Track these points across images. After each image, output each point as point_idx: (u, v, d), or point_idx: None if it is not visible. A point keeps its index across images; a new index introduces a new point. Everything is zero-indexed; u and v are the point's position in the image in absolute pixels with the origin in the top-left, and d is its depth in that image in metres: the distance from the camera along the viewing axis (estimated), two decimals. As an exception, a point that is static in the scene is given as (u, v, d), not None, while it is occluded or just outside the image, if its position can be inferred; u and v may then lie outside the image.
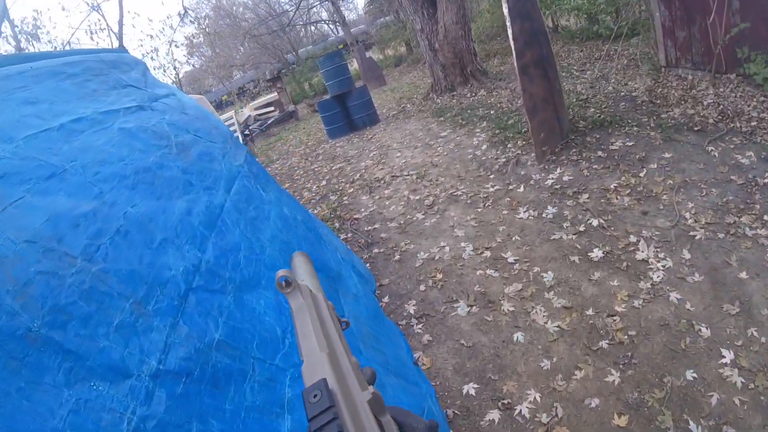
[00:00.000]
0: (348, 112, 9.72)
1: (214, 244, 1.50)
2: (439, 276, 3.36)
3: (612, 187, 3.86)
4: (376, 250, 4.05)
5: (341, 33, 20.16)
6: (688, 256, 2.97)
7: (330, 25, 24.56)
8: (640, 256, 3.06)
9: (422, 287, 3.31)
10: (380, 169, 6.49)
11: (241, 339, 1.32)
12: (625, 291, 2.82)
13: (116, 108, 1.82)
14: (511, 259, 3.31)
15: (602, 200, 3.74)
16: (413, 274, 3.52)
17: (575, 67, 8.68)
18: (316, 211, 5.59)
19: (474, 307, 2.98)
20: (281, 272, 0.52)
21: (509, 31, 4.24)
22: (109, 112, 1.75)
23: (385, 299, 3.28)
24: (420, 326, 2.95)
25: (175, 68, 9.95)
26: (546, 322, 2.73)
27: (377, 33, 21.52)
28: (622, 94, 6.09)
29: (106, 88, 1.94)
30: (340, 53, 9.96)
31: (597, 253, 3.14)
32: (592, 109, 5.81)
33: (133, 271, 1.21)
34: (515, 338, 2.69)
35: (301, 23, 22.52)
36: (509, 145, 5.51)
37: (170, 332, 1.18)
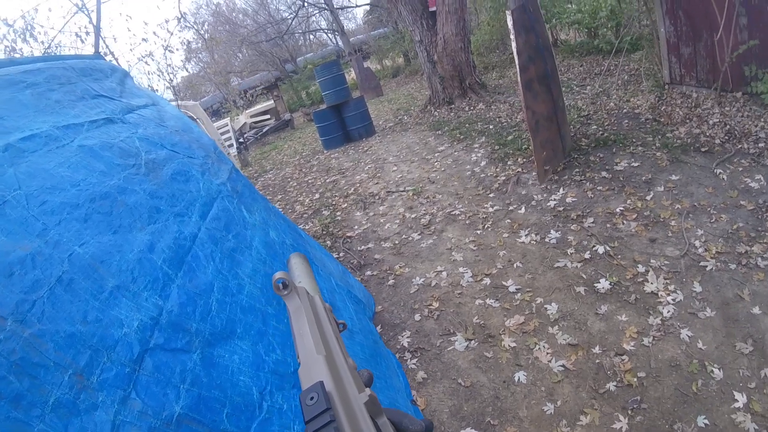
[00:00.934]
0: (344, 123, 9.56)
1: (181, 288, 1.28)
2: (436, 304, 3.16)
3: (618, 210, 3.68)
4: (369, 273, 3.84)
5: (340, 42, 20.08)
6: (699, 288, 2.79)
7: (329, 34, 24.52)
8: (649, 288, 2.88)
9: (417, 317, 3.10)
10: (375, 183, 6.30)
11: (208, 410, 1.11)
12: (634, 327, 2.63)
13: (80, 121, 1.62)
14: (512, 288, 3.12)
15: (608, 225, 3.56)
16: (408, 301, 3.31)
17: (575, 82, 8.59)
18: (307, 227, 5.39)
19: (473, 342, 2.77)
20: (278, 274, 0.52)
21: (513, 45, 4.08)
22: (70, 126, 1.54)
23: (378, 329, 3.06)
24: (414, 361, 2.73)
25: (169, 73, 9.74)
26: (550, 361, 2.53)
27: (375, 43, 21.50)
28: (625, 110, 5.96)
29: (71, 99, 1.73)
30: (338, 63, 9.81)
31: (604, 284, 2.95)
32: (594, 126, 5.67)
33: (74, 334, 0.99)
34: (517, 378, 2.48)
35: (300, 32, 22.46)
36: (509, 162, 5.35)
37: (119, 409, 0.97)
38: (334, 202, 6.03)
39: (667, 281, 2.90)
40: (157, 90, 9.49)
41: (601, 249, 3.28)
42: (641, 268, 3.03)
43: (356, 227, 4.95)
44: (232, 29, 21.12)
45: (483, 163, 5.62)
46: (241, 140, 13.15)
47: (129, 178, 1.50)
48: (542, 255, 3.40)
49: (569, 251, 3.35)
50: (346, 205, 5.79)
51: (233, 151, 11.92)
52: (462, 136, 7.04)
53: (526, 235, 3.68)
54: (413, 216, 4.76)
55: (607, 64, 8.51)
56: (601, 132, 5.37)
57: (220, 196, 1.89)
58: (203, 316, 1.29)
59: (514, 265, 3.35)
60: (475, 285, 3.27)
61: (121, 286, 1.18)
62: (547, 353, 2.57)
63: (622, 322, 2.68)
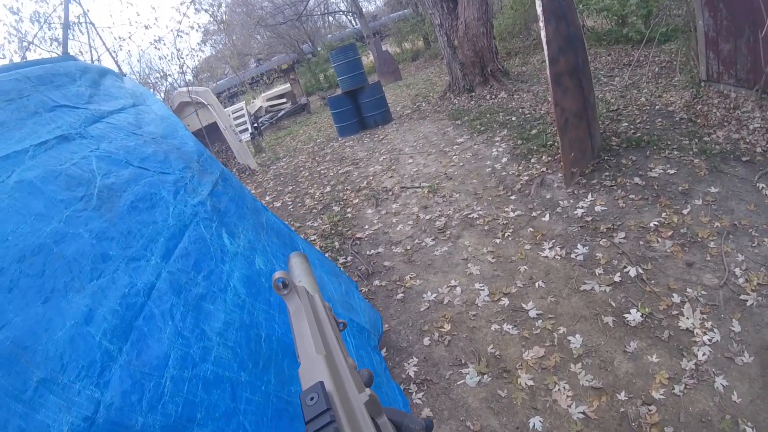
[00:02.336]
0: (360, 110, 9.22)
1: (125, 368, 1.03)
2: (447, 327, 2.88)
3: (652, 225, 3.32)
4: (377, 282, 3.57)
5: (359, 25, 19.51)
6: (737, 328, 2.44)
7: (348, 16, 23.88)
8: (684, 323, 2.54)
9: (426, 340, 2.83)
10: (389, 176, 6.00)
11: None
12: (665, 372, 2.31)
13: (24, 147, 1.37)
14: (533, 313, 2.81)
15: (641, 242, 3.20)
16: (417, 320, 3.04)
17: (602, 72, 8.05)
18: (316, 224, 5.15)
19: (486, 376, 2.49)
20: (278, 274, 0.52)
21: (542, 34, 3.68)
22: (10, 156, 1.29)
23: (383, 352, 2.81)
24: (420, 395, 2.47)
25: (180, 57, 9.51)
26: (570, 406, 2.23)
27: (395, 26, 20.84)
28: (657, 107, 5.49)
29: (20, 117, 1.48)
30: (354, 47, 9.41)
31: (635, 316, 2.62)
32: (625, 123, 5.23)
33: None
34: (532, 424, 2.20)
35: (318, 13, 21.91)
36: (532, 160, 4.98)
37: None
38: (345, 197, 5.76)
39: (704, 316, 2.56)
40: (170, 75, 9.28)
41: (633, 271, 2.94)
42: (676, 298, 2.69)
43: (367, 227, 4.68)
44: (250, 11, 20.69)
45: (504, 160, 5.26)
46: (256, 125, 12.93)
47: (73, 217, 1.24)
48: (567, 274, 3.08)
49: (597, 271, 3.02)
50: (357, 200, 5.52)
51: (246, 136, 11.72)
52: (482, 128, 6.66)
53: (550, 249, 3.36)
54: (428, 217, 4.46)
55: (637, 55, 7.92)
56: (632, 130, 4.93)
57: (195, 220, 1.62)
58: (152, 404, 1.04)
59: (536, 285, 3.04)
60: (492, 305, 2.98)
61: (48, 379, 0.94)
62: (567, 396, 2.28)
63: (653, 364, 2.36)
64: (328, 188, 6.32)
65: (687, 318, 2.56)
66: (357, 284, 3.49)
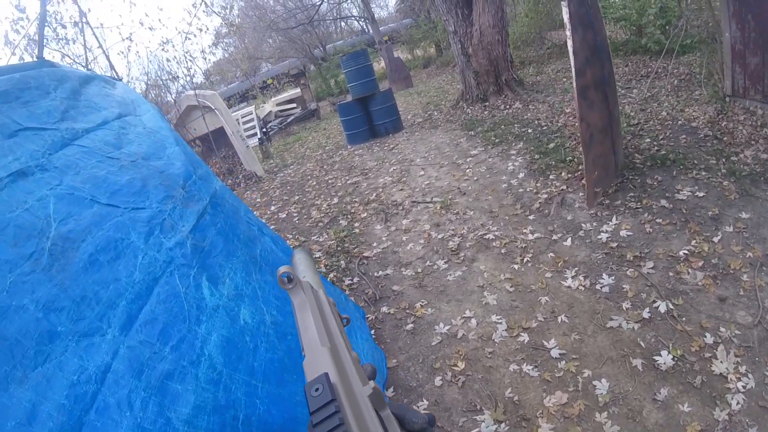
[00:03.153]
0: (370, 117, 9.01)
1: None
2: (461, 365, 2.62)
3: (682, 254, 3.05)
4: (385, 309, 3.32)
5: (371, 30, 19.38)
6: None
7: (360, 22, 23.77)
8: (717, 368, 2.27)
9: (438, 380, 2.57)
10: (400, 189, 5.77)
11: None
12: (697, 424, 2.04)
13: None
14: (555, 352, 2.54)
15: (670, 273, 2.93)
16: (428, 355, 2.78)
17: (620, 84, 7.75)
18: (321, 239, 4.91)
19: (503, 425, 2.22)
20: (283, 269, 0.53)
21: (569, 43, 3.44)
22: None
23: (390, 393, 2.56)
24: (432, 447, 2.22)
25: (188, 60, 9.38)
26: (600, 464, 1.97)
27: (407, 32, 20.67)
28: (680, 122, 5.20)
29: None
30: (365, 53, 9.21)
31: (666, 359, 2.35)
32: (648, 140, 4.95)
33: None
34: (559, 487, 1.94)
35: (330, 18, 21.81)
36: (551, 177, 4.71)
37: None
38: (353, 210, 5.53)
39: (738, 359, 2.29)
40: (178, 77, 9.14)
41: (663, 306, 2.66)
42: (709, 339, 2.42)
43: (375, 244, 4.44)
44: (261, 15, 20.64)
45: (521, 175, 5.00)
46: (265, 130, 12.78)
47: (18, 283, 1.02)
48: (592, 308, 2.81)
49: (625, 305, 2.75)
50: (365, 214, 5.28)
51: (254, 141, 11.56)
52: (497, 140, 6.40)
53: (572, 278, 3.09)
54: (440, 236, 4.21)
55: (656, 67, 7.62)
56: (656, 147, 4.65)
57: (169, 270, 1.38)
58: None
59: (558, 319, 2.77)
60: (510, 342, 2.71)
61: None
62: (597, 453, 2.02)
63: (684, 414, 2.10)
64: (336, 200, 6.10)
65: (721, 362, 2.30)
66: (364, 312, 3.24)
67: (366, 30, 22.68)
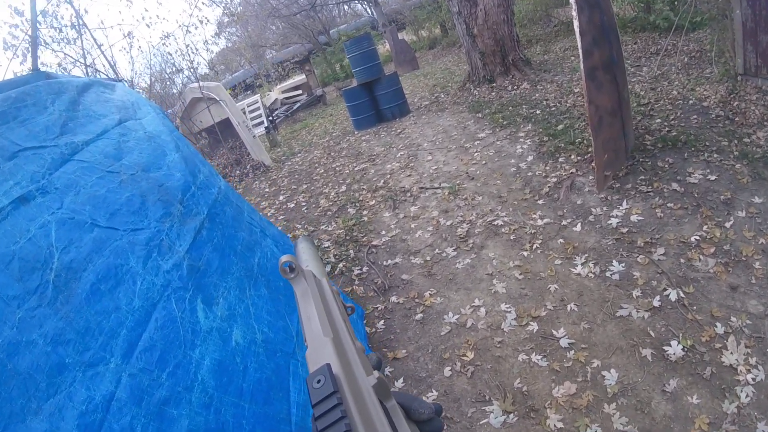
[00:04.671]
0: (376, 102, 8.92)
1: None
2: (470, 355, 2.63)
3: (693, 240, 3.00)
4: (394, 299, 3.34)
5: (374, 13, 19.04)
6: None
7: (363, 5, 23.36)
8: (727, 359, 2.25)
9: (447, 370, 2.59)
10: (407, 175, 5.73)
11: None
12: (706, 416, 2.03)
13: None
14: (564, 342, 2.54)
15: (681, 259, 2.89)
16: (437, 345, 2.80)
17: (629, 62, 7.57)
18: (330, 228, 4.93)
19: (512, 415, 2.24)
20: (285, 258, 0.52)
21: (575, 23, 3.35)
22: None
23: (399, 384, 2.58)
24: (442, 438, 2.25)
25: (191, 52, 9.34)
26: (608, 454, 1.98)
27: (411, 13, 20.26)
28: (691, 102, 5.07)
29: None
30: (369, 37, 9.07)
31: (675, 349, 2.33)
32: (659, 120, 4.84)
33: None
34: (567, 477, 1.95)
35: (333, 2, 21.47)
36: (560, 159, 4.64)
37: None
38: (361, 198, 5.52)
39: (748, 350, 2.27)
40: (181, 70, 9.10)
41: (673, 295, 2.63)
42: (720, 329, 2.39)
43: (383, 232, 4.44)
44: (263, 2, 20.37)
45: (530, 158, 4.93)
46: (271, 118, 12.74)
47: (26, 319, 1.04)
48: (602, 296, 2.78)
49: (635, 293, 2.72)
50: (374, 202, 5.27)
51: (261, 130, 11.54)
52: (505, 122, 6.31)
53: (582, 264, 3.06)
54: (449, 223, 4.19)
55: (665, 44, 7.39)
56: (666, 128, 4.55)
57: (166, 294, 1.38)
58: None
59: (568, 308, 2.76)
60: (519, 331, 2.71)
61: None
62: (604, 444, 2.02)
63: (693, 406, 2.09)
64: (344, 187, 6.09)
65: (731, 353, 2.27)
66: (363, 311, 3.26)
67: (370, 13, 22.33)
